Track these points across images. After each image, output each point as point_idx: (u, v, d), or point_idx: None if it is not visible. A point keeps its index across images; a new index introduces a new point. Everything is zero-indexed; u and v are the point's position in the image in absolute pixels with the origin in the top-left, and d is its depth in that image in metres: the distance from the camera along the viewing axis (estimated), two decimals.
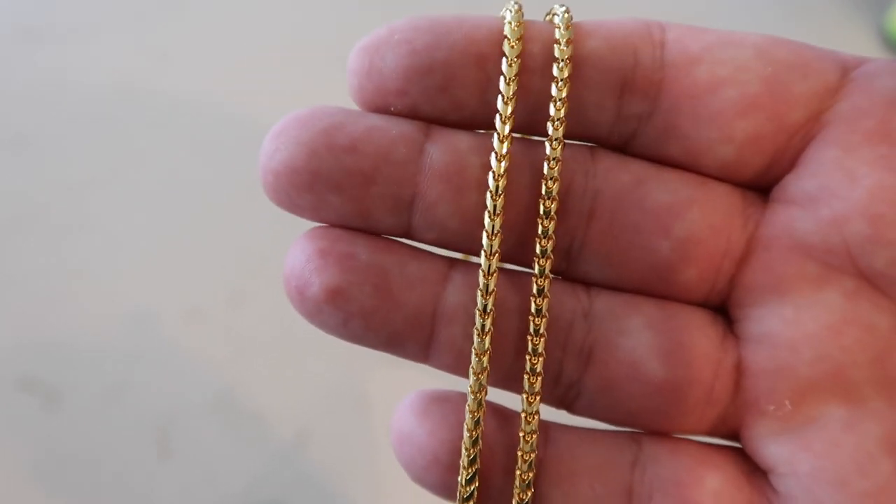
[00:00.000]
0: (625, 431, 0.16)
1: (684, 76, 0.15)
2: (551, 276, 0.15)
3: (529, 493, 0.15)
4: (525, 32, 0.15)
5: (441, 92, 0.15)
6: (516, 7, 0.15)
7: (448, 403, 0.15)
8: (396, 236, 0.15)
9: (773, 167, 0.15)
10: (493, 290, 0.15)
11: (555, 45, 0.15)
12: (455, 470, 0.15)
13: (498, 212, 0.14)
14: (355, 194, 0.14)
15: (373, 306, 0.14)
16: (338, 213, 0.15)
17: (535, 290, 0.15)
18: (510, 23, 0.15)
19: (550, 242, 0.15)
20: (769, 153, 0.15)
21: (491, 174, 0.15)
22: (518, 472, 0.15)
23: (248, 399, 0.29)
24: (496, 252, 0.15)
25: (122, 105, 0.33)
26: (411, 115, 0.15)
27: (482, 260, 0.15)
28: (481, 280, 0.15)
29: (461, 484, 0.14)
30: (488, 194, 0.14)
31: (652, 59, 0.15)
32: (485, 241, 0.15)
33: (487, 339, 0.15)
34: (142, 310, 0.30)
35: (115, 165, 0.33)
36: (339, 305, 0.14)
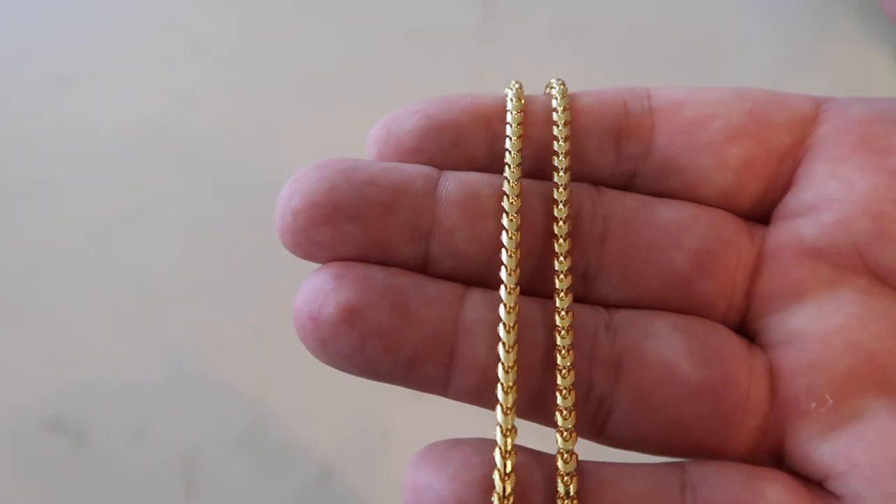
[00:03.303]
0: (666, 462, 0.15)
1: (673, 116, 0.16)
2: (571, 294, 0.15)
3: None
4: (526, 99, 0.16)
5: (453, 147, 0.16)
6: (517, 84, 0.17)
7: (467, 447, 0.14)
8: (413, 269, 0.15)
9: (770, 192, 0.16)
10: (516, 305, 0.14)
11: (552, 100, 0.16)
12: None
13: (515, 230, 0.15)
14: (375, 224, 0.15)
15: (391, 324, 0.14)
16: (357, 244, 0.15)
17: (557, 304, 0.15)
18: (512, 88, 0.16)
19: (568, 260, 0.15)
20: (764, 177, 0.16)
21: (506, 198, 0.15)
22: (559, 501, 0.13)
23: (275, 435, 0.29)
24: (516, 268, 0.15)
25: (147, 146, 0.34)
26: None
27: (503, 275, 0.15)
28: (503, 294, 0.14)
29: None
30: (504, 217, 0.15)
31: (641, 108, 0.16)
32: (504, 257, 0.15)
33: (513, 354, 0.14)
34: (167, 347, 0.30)
35: (139, 205, 0.33)
36: (356, 325, 0.14)
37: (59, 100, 0.35)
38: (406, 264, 0.15)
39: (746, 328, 0.16)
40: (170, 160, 0.34)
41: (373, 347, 0.14)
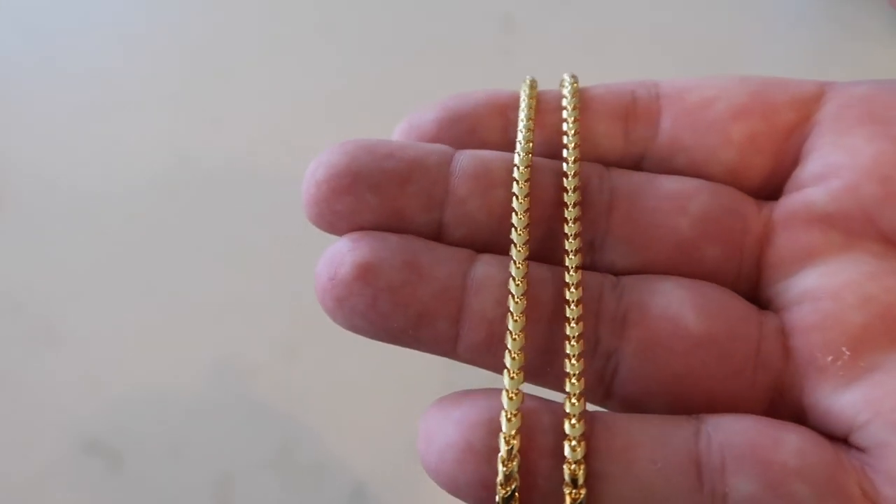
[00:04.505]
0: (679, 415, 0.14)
1: (678, 101, 0.17)
2: (581, 254, 0.15)
3: (582, 468, 0.13)
4: (539, 91, 0.18)
5: (469, 134, 0.17)
6: (530, 78, 0.18)
7: (476, 394, 0.14)
8: (427, 237, 0.16)
9: (778, 169, 0.16)
10: (526, 260, 0.15)
11: (562, 88, 0.17)
12: (490, 461, 0.13)
13: (524, 196, 0.15)
14: (392, 193, 0.15)
15: (402, 280, 0.15)
16: (375, 212, 0.15)
17: (567, 263, 0.15)
18: (525, 82, 0.18)
19: (577, 224, 0.15)
20: (770, 153, 0.16)
21: (516, 169, 0.16)
22: (567, 444, 0.13)
23: (308, 455, 0.29)
24: (527, 226, 0.15)
25: (178, 170, 0.35)
26: None
27: (513, 234, 0.15)
28: (513, 252, 0.15)
29: (503, 458, 0.13)
30: (515, 185, 0.16)
31: (648, 95, 0.17)
32: (514, 219, 0.15)
33: (522, 304, 0.14)
34: (201, 369, 0.30)
35: (172, 228, 0.34)
36: (369, 281, 0.14)
37: (92, 128, 0.37)
38: (420, 232, 0.16)
39: (759, 296, 0.16)
40: (201, 183, 0.35)
41: (385, 302, 0.14)
